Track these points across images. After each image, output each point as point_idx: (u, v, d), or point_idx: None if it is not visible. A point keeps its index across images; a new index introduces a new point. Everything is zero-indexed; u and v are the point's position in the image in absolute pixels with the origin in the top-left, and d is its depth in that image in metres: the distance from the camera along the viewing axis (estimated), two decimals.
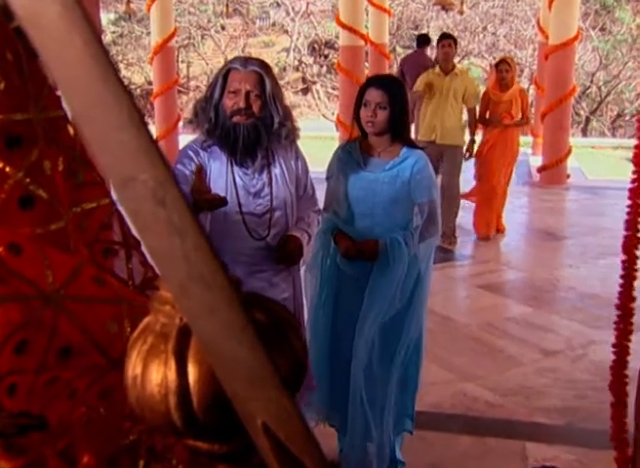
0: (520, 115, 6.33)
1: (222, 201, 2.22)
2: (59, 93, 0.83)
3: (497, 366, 3.90)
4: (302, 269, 2.70)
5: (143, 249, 0.82)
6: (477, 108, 6.21)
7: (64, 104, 0.81)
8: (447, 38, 6.28)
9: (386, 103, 2.60)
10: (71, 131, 0.76)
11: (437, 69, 6.13)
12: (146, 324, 0.51)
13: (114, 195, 0.38)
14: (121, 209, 0.39)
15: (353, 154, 2.74)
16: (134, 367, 0.50)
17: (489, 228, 6.36)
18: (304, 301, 2.72)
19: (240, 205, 2.36)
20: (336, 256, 2.70)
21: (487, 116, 6.35)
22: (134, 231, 0.38)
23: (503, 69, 6.25)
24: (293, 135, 2.42)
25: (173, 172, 0.37)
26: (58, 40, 0.36)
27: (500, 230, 6.56)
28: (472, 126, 6.20)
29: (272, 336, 0.48)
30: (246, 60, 2.34)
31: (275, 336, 0.49)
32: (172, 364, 0.48)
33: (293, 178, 2.48)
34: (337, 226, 2.72)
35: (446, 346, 4.10)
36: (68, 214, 0.72)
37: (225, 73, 2.32)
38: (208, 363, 0.45)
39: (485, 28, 20.55)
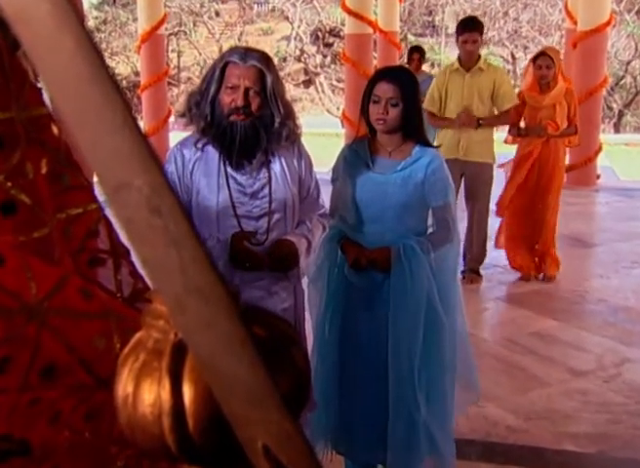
0: (566, 123, 5.36)
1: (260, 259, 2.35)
2: (40, 86, 0.85)
3: (519, 386, 3.90)
4: (305, 280, 2.71)
5: (134, 258, 0.84)
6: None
7: (49, 103, 0.83)
8: (471, 30, 5.14)
9: (399, 99, 2.61)
10: (55, 130, 0.78)
11: (456, 64, 5.28)
12: (138, 340, 0.53)
13: (105, 202, 0.40)
14: (112, 216, 0.40)
15: (361, 154, 2.75)
16: (125, 386, 0.51)
17: (528, 267, 5.59)
18: (307, 314, 2.73)
19: (234, 207, 2.37)
20: (343, 267, 2.71)
21: (522, 125, 5.43)
22: (126, 241, 0.40)
23: (544, 65, 5.22)
24: (294, 135, 2.43)
25: (169, 178, 0.39)
26: (47, 39, 0.38)
27: (545, 275, 5.62)
28: (514, 131, 5.39)
29: (273, 353, 0.49)
30: (245, 53, 2.34)
31: (276, 353, 0.50)
32: (166, 382, 0.49)
33: (295, 178, 2.47)
34: (344, 233, 2.73)
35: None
36: (52, 220, 0.74)
37: (223, 66, 2.33)
38: (205, 381, 0.46)
39: (506, 13, 20.60)
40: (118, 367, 0.53)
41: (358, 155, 2.75)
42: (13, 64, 0.80)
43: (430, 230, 2.77)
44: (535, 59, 5.34)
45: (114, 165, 0.38)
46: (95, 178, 0.40)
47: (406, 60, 7.83)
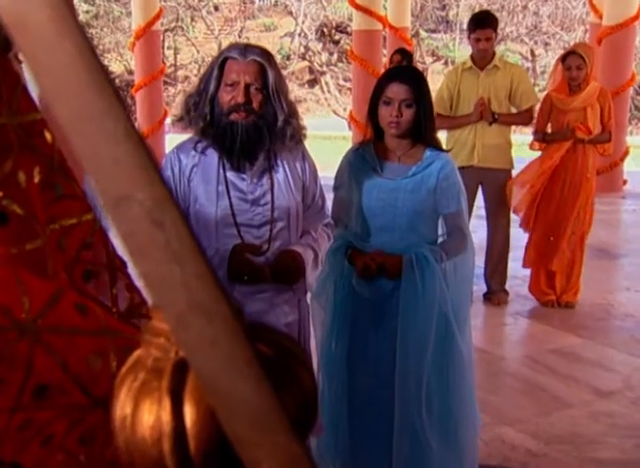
0: (600, 128, 5.10)
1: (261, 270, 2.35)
2: (33, 92, 0.86)
3: (540, 407, 3.89)
4: (309, 295, 2.71)
5: (131, 271, 0.85)
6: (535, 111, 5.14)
7: (40, 107, 0.85)
8: (483, 27, 5.01)
9: (412, 100, 2.63)
10: (49, 137, 0.80)
11: (469, 62, 5.16)
12: (137, 358, 0.54)
13: (105, 215, 0.41)
14: (110, 229, 0.41)
15: (368, 158, 2.76)
16: (123, 406, 0.52)
17: (544, 291, 5.40)
18: (312, 329, 2.73)
19: (234, 215, 2.37)
20: (350, 279, 2.72)
21: (548, 130, 5.18)
22: (126, 255, 0.41)
23: (574, 66, 4.93)
24: (299, 134, 2.44)
25: (172, 191, 0.40)
26: (46, 45, 0.39)
27: (564, 302, 5.39)
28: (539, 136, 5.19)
29: (279, 372, 0.50)
30: (245, 48, 2.36)
31: (283, 372, 0.51)
32: (166, 403, 0.50)
33: (299, 185, 2.48)
34: (350, 244, 2.74)
35: (479, 383, 4.09)
36: (45, 231, 0.75)
37: (221, 63, 2.34)
38: (207, 402, 0.47)
39: (525, 7, 20.64)
40: (116, 386, 0.54)
41: (365, 159, 2.76)
42: (4, 67, 0.81)
43: (440, 239, 2.79)
44: (563, 59, 5.05)
45: (115, 176, 0.40)
46: (94, 190, 0.41)
47: (387, 62, 6.94)
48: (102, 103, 0.39)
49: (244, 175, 2.38)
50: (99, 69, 0.39)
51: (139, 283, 0.42)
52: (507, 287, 5.49)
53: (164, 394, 0.50)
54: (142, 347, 0.53)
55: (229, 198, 2.36)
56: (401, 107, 2.62)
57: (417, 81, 2.69)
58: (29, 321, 0.67)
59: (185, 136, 2.50)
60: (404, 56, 6.50)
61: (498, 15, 5.58)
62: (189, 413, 0.49)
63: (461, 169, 4.89)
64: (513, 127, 5.45)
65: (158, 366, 0.51)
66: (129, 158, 0.40)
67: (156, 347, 0.52)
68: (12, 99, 0.78)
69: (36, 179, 0.77)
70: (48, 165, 0.79)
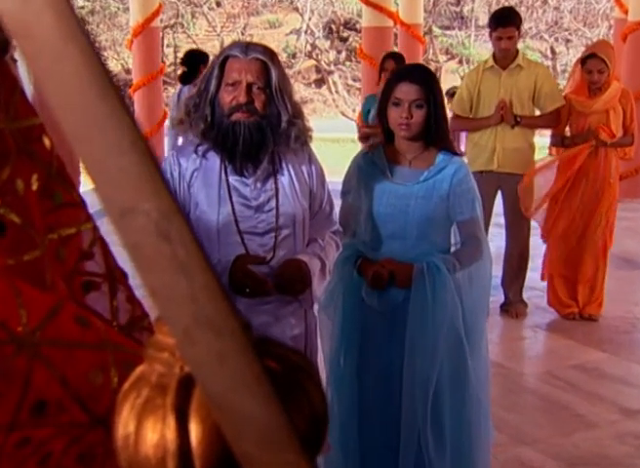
0: (622, 132, 5.09)
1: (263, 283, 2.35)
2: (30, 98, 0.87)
3: (561, 427, 3.88)
4: (316, 307, 2.72)
5: (132, 282, 0.87)
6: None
7: (34, 104, 0.86)
8: (505, 24, 4.98)
9: (423, 101, 2.63)
10: (47, 142, 0.81)
11: (490, 61, 5.14)
12: (140, 374, 0.55)
13: (112, 226, 0.42)
14: (108, 237, 0.42)
15: (377, 162, 2.77)
16: (126, 424, 0.53)
17: (565, 303, 5.36)
18: (319, 343, 2.74)
19: (237, 222, 2.38)
20: (359, 290, 2.73)
21: (567, 134, 5.21)
22: (132, 268, 0.42)
23: (595, 70, 4.92)
24: (304, 136, 2.45)
25: (178, 202, 0.41)
26: (51, 52, 0.40)
27: (586, 314, 5.35)
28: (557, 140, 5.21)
29: (288, 388, 0.51)
30: (247, 46, 2.37)
31: (291, 388, 0.52)
32: (171, 421, 0.51)
33: (305, 190, 2.48)
34: (360, 253, 2.74)
35: (496, 400, 4.08)
36: (44, 241, 0.76)
37: (222, 62, 2.35)
38: (213, 420, 0.48)
39: (545, 2, 20.66)
40: (118, 403, 0.55)
41: (374, 164, 2.77)
42: (1, 70, 0.83)
43: (454, 248, 2.79)
44: (583, 61, 5.02)
45: (120, 186, 0.41)
46: (97, 200, 0.42)
47: (378, 71, 6.55)
48: (107, 110, 0.41)
49: (247, 181, 2.38)
50: (104, 76, 0.41)
51: (147, 297, 0.43)
52: (526, 298, 5.49)
53: (168, 411, 0.51)
54: (146, 362, 0.54)
55: (232, 204, 2.37)
56: (411, 108, 2.63)
57: (427, 80, 2.70)
58: (27, 334, 0.68)
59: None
60: (397, 61, 6.28)
61: (516, 10, 5.51)
62: (195, 431, 0.50)
63: (480, 173, 4.90)
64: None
65: (162, 382, 0.52)
66: (134, 167, 0.41)
67: (160, 362, 0.53)
68: (9, 104, 0.80)
69: (34, 187, 0.78)
70: (46, 172, 0.80)
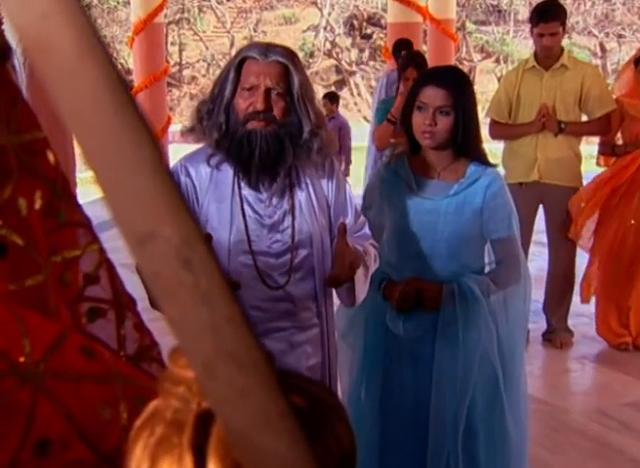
0: None
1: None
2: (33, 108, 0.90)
3: None
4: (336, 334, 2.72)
5: (140, 309, 0.89)
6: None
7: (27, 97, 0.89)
8: (548, 19, 4.91)
9: (450, 107, 2.61)
10: (51, 157, 0.84)
11: (531, 61, 5.10)
12: (154, 410, 0.57)
13: (129, 252, 0.44)
14: (138, 269, 0.44)
15: (402, 174, 2.76)
16: (139, 465, 0.55)
17: (616, 332, 5.31)
18: (338, 374, 2.73)
19: (250, 241, 2.39)
20: (383, 316, 2.72)
21: (618, 142, 5.20)
22: (154, 297, 0.44)
23: None
24: (327, 148, 2.44)
25: (200, 227, 0.43)
26: (70, 69, 0.42)
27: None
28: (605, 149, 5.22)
29: (314, 426, 0.53)
30: (267, 47, 2.37)
31: (318, 426, 0.54)
32: (188, 460, 0.53)
33: (324, 207, 2.47)
34: (386, 275, 2.74)
35: (540, 441, 4.06)
36: (47, 265, 0.79)
37: (239, 64, 2.37)
38: (233, 458, 0.50)
39: None
40: (130, 442, 0.57)
41: (398, 176, 2.75)
42: (2, 79, 0.85)
43: (488, 268, 2.78)
44: (637, 61, 4.96)
45: (140, 211, 0.43)
46: (115, 226, 0.45)
47: (396, 77, 6.00)
48: (127, 130, 0.43)
49: (262, 196, 2.39)
50: (124, 94, 0.43)
51: (168, 329, 0.45)
52: (571, 325, 5.44)
53: (185, 450, 0.52)
54: (160, 397, 0.56)
55: (245, 221, 2.38)
56: (435, 115, 2.61)
57: (458, 85, 2.66)
58: (31, 365, 0.70)
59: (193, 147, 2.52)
60: (418, 65, 5.51)
61: (562, 3, 5.43)
62: None
63: (519, 185, 4.89)
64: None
65: (178, 418, 0.54)
66: (154, 190, 0.43)
67: (176, 397, 0.55)
68: (11, 116, 0.82)
69: (37, 205, 0.80)
70: (50, 189, 0.83)
